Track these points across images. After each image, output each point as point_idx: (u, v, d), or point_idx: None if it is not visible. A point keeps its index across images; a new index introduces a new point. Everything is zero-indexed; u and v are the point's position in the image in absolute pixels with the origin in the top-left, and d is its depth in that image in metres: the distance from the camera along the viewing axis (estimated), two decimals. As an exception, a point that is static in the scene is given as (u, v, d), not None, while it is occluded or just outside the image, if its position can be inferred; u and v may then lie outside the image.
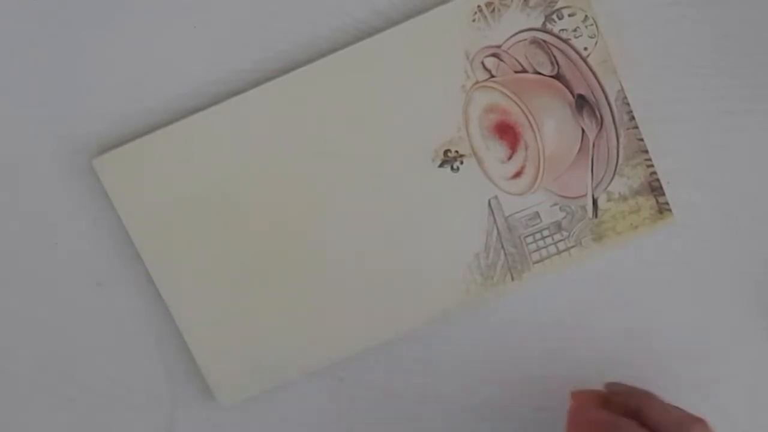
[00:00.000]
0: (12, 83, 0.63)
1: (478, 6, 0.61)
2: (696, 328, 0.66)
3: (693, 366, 0.66)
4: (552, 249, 0.64)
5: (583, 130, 0.63)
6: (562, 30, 0.62)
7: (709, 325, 0.66)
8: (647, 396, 0.60)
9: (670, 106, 0.64)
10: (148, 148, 0.62)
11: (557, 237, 0.64)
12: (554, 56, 0.62)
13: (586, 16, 0.61)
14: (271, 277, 0.64)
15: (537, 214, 0.64)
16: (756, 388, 0.67)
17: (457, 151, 0.63)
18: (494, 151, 0.63)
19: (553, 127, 0.63)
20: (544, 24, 0.62)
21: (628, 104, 0.62)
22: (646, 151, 0.63)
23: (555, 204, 0.63)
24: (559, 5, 0.61)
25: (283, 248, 0.63)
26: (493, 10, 0.61)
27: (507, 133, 0.63)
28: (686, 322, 0.66)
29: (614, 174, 0.63)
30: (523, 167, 0.63)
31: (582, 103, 0.62)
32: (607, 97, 0.62)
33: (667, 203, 0.63)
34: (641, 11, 0.63)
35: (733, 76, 0.64)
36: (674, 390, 0.65)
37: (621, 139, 0.63)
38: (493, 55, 0.62)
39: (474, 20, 0.61)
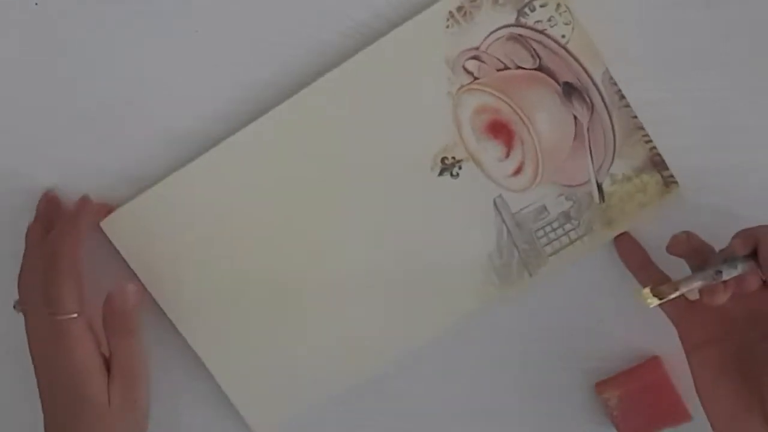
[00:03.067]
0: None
1: (450, 12, 0.61)
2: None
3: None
4: (564, 240, 0.64)
5: (575, 117, 0.63)
6: (537, 21, 0.62)
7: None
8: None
9: (669, 106, 0.63)
10: (153, 201, 0.64)
11: (568, 227, 0.64)
12: (534, 49, 0.62)
13: (558, 4, 0.62)
14: (290, 304, 0.64)
15: (544, 207, 0.64)
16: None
17: (453, 157, 0.63)
18: (491, 151, 0.63)
19: (544, 119, 0.63)
20: (517, 18, 0.62)
21: (615, 84, 0.62)
22: (642, 128, 0.63)
23: (560, 194, 0.63)
24: (529, -2, 0.61)
25: (298, 272, 0.64)
26: (465, 14, 0.62)
27: (500, 131, 0.63)
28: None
29: (614, 156, 0.63)
30: (522, 163, 0.63)
31: (570, 91, 0.62)
32: (593, 80, 0.62)
33: (671, 176, 0.63)
34: (642, 12, 0.63)
35: (733, 76, 0.63)
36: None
37: (614, 120, 0.63)
38: (473, 57, 0.62)
39: (448, 26, 0.62)
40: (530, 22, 0.62)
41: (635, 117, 0.62)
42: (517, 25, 0.62)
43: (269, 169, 0.63)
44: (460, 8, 0.62)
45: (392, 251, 0.64)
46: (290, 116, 0.63)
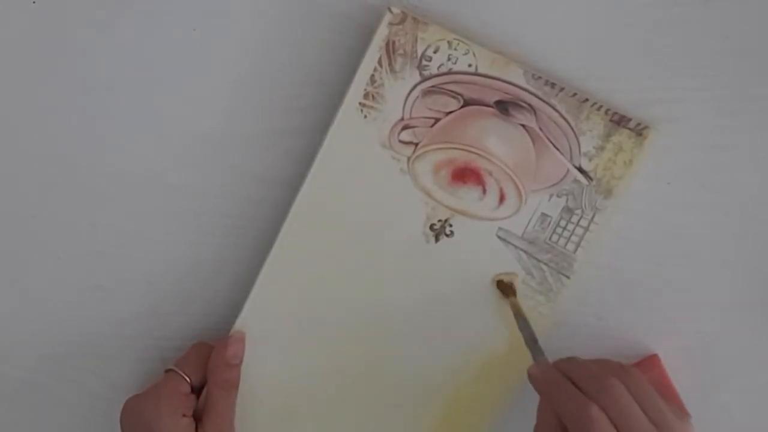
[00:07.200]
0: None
1: (359, 103, 0.62)
2: (696, 328, 0.65)
3: (693, 366, 0.65)
4: (579, 230, 0.64)
5: (523, 126, 0.62)
6: (440, 66, 0.62)
7: (710, 325, 0.65)
8: (568, 360, 0.58)
9: (670, 106, 0.63)
10: None
11: (575, 218, 0.64)
12: (451, 90, 0.62)
13: (449, 42, 0.61)
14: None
15: (544, 215, 0.64)
16: (756, 388, 0.66)
17: (439, 220, 0.64)
18: (468, 196, 0.63)
19: (497, 142, 0.63)
20: (421, 74, 0.62)
21: (540, 77, 0.62)
22: (587, 99, 0.62)
23: (551, 196, 0.63)
24: (419, 52, 0.61)
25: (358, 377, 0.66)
26: (373, 97, 0.62)
27: (466, 175, 0.63)
28: (686, 322, 0.65)
29: (576, 137, 0.63)
30: (501, 191, 0.63)
31: (504, 106, 0.62)
32: (518, 86, 0.62)
33: (639, 124, 0.62)
34: (640, 13, 0.62)
35: (733, 76, 0.63)
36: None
37: (558, 107, 0.62)
38: (403, 128, 0.62)
39: (365, 116, 0.62)
40: (434, 70, 0.62)
41: (575, 94, 0.62)
42: (424, 79, 0.62)
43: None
44: (366, 95, 0.62)
45: (439, 326, 0.65)
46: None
